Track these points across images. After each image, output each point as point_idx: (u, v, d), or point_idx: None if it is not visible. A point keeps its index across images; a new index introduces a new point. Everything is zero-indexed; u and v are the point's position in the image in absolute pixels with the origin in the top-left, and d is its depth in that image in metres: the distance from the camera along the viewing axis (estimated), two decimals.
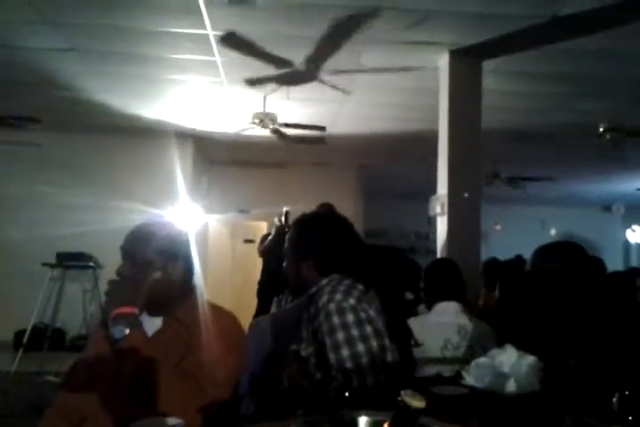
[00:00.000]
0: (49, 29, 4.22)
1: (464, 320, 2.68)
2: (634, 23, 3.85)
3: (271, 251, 4.84)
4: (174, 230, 1.62)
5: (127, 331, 1.36)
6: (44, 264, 6.31)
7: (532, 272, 1.97)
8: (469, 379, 1.30)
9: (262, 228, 8.53)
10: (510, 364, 1.29)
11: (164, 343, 1.47)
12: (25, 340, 5.83)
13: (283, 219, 4.84)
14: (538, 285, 1.95)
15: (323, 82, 5.11)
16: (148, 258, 1.52)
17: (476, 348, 2.44)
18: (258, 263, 5.73)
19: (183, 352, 1.42)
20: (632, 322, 1.92)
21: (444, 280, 2.84)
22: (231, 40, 4.24)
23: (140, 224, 1.62)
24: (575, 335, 1.79)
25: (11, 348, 6.37)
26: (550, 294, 1.92)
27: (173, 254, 1.55)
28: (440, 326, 2.64)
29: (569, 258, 1.93)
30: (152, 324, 1.54)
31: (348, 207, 6.79)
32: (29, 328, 5.95)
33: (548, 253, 1.97)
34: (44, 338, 6.03)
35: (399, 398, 0.76)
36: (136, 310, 1.41)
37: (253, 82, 5.14)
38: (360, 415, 0.90)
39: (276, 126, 5.70)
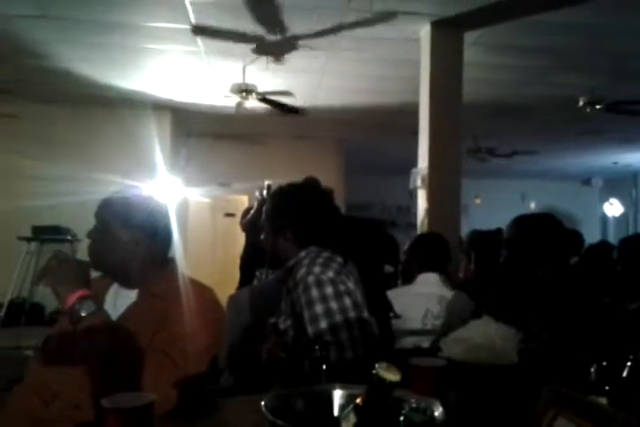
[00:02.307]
0: None
1: (446, 291, 2.71)
2: None
3: (253, 225, 4.81)
4: (147, 201, 1.58)
5: (93, 308, 1.33)
6: (20, 238, 6.21)
7: (509, 240, 1.97)
8: (447, 351, 1.29)
9: (243, 201, 8.48)
10: (488, 335, 1.28)
11: (137, 316, 1.44)
12: (2, 314, 5.77)
13: (264, 192, 4.81)
14: (515, 254, 1.96)
15: (303, 50, 5.01)
16: (109, 226, 1.51)
17: (456, 319, 2.46)
18: (239, 237, 5.70)
19: (157, 326, 1.39)
20: (608, 294, 1.93)
21: (430, 253, 2.86)
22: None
23: (115, 192, 1.59)
24: (550, 308, 1.80)
25: None
26: (527, 264, 1.93)
27: (139, 225, 1.51)
28: (422, 296, 2.66)
29: (547, 229, 1.94)
30: (127, 296, 1.52)
31: (330, 181, 6.69)
32: (6, 303, 5.88)
33: (526, 223, 1.98)
34: (22, 313, 5.96)
35: (374, 372, 0.74)
36: (90, 293, 1.38)
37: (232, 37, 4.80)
38: (335, 389, 0.89)
39: (255, 98, 5.60)
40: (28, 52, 5.24)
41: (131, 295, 1.51)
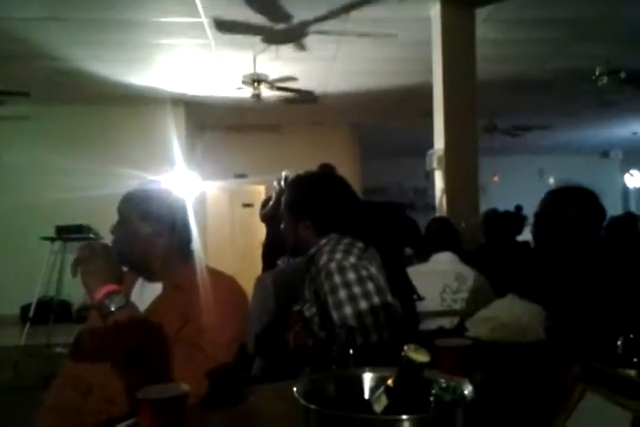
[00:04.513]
0: None
1: (462, 268, 2.72)
2: None
3: (273, 215, 4.83)
4: (165, 194, 1.60)
5: (122, 302, 1.35)
6: (44, 238, 6.30)
7: (543, 214, 1.96)
8: (474, 330, 1.30)
9: (260, 192, 8.51)
10: (514, 314, 1.29)
11: (164, 309, 1.46)
12: (31, 313, 5.87)
13: (282, 182, 4.81)
14: (549, 228, 1.95)
15: (313, 36, 4.99)
16: (130, 219, 1.53)
17: (479, 299, 2.46)
18: (258, 227, 5.73)
19: (184, 317, 1.42)
20: (635, 265, 1.92)
21: (438, 234, 2.90)
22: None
23: (137, 187, 1.61)
24: (580, 279, 1.79)
25: (18, 322, 6.46)
26: (561, 238, 1.92)
27: (158, 218, 1.53)
28: (437, 272, 2.68)
29: (582, 202, 1.93)
30: (152, 289, 1.54)
31: (346, 166, 6.75)
32: (35, 302, 5.99)
33: (562, 196, 1.97)
34: (50, 311, 6.08)
35: (403, 354, 0.75)
36: (120, 288, 1.40)
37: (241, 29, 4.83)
38: (365, 372, 0.90)
39: (267, 87, 5.60)
40: (41, 54, 5.28)
41: (156, 288, 1.54)
